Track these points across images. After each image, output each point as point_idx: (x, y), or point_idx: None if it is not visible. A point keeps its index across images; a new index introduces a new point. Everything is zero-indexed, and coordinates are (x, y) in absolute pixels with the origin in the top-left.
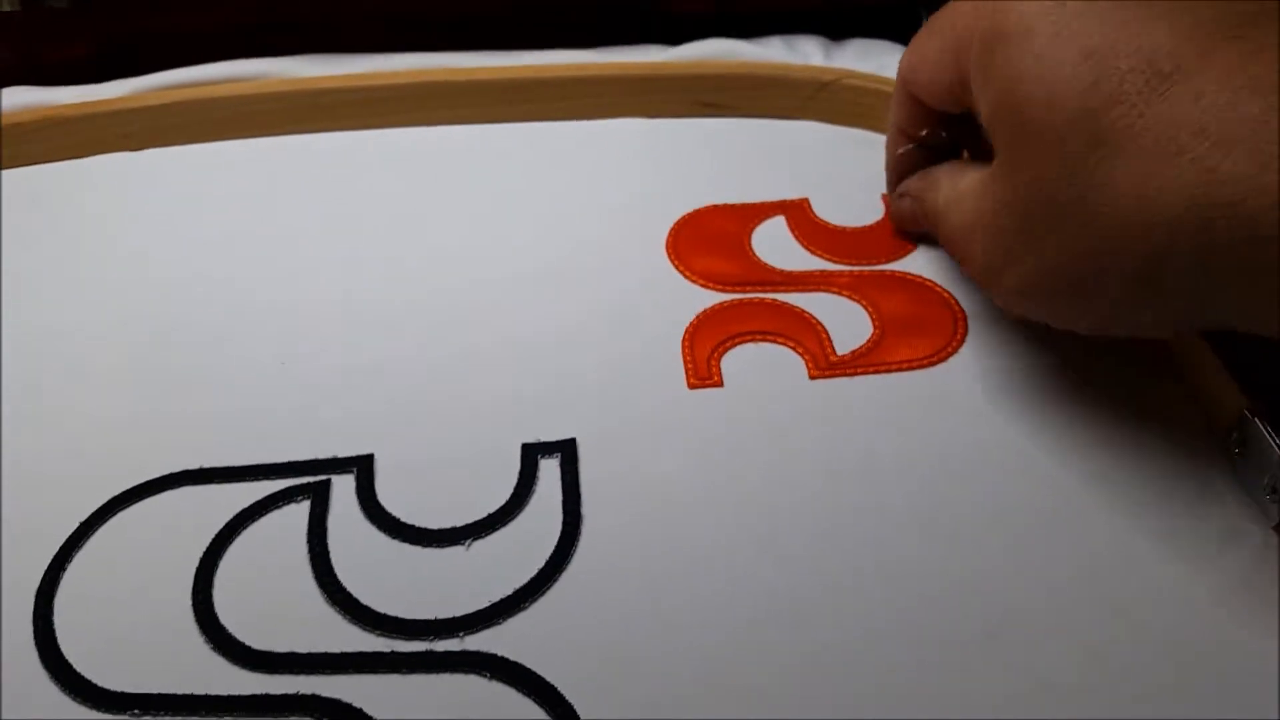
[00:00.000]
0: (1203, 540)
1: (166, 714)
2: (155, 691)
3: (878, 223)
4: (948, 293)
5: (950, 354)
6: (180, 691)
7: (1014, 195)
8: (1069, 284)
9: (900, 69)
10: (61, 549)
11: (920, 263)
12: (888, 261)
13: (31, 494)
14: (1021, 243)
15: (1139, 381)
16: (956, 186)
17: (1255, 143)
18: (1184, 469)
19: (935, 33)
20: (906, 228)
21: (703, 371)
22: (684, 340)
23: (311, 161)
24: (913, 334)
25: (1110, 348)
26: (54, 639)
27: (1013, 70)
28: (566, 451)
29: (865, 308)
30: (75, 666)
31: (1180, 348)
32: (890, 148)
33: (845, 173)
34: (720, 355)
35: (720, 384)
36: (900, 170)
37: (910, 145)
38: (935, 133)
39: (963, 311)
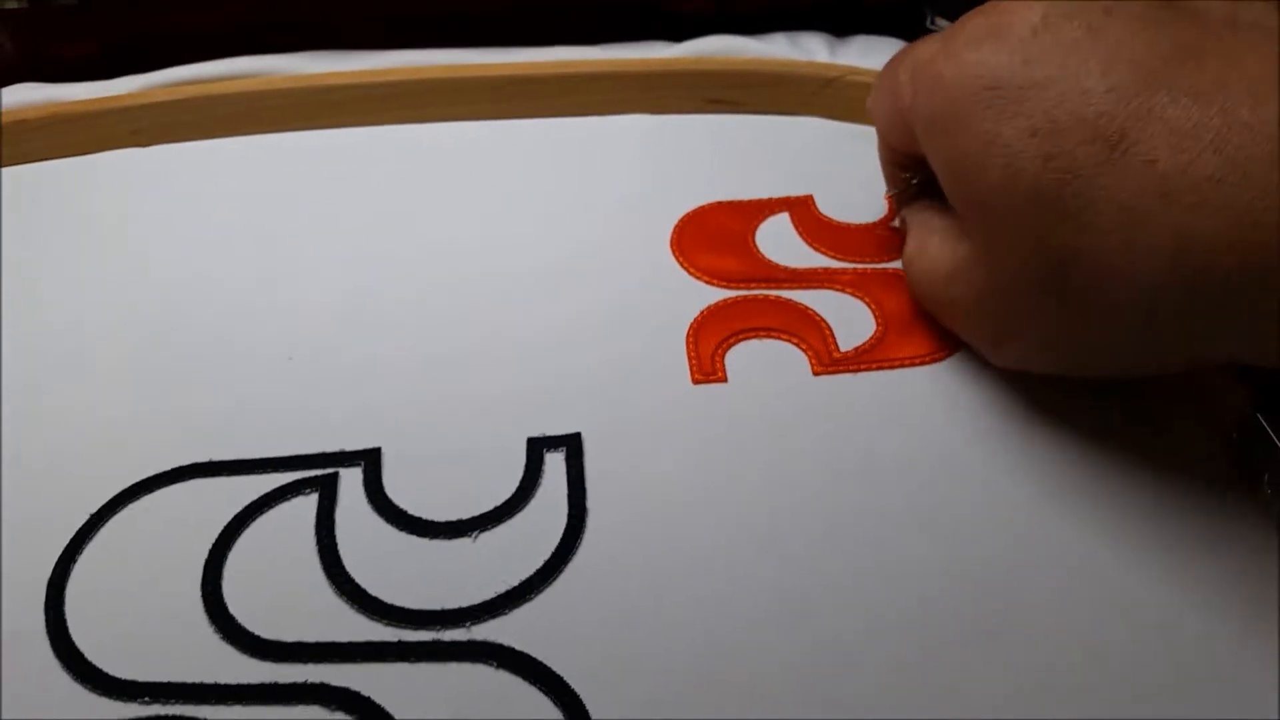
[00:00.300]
0: (1203, 538)
1: (177, 702)
2: (165, 680)
3: (881, 220)
4: None
5: (953, 351)
6: (190, 680)
7: (997, 280)
8: (1070, 349)
9: (867, 108)
10: (72, 541)
11: None
12: (891, 259)
13: (42, 487)
14: (1015, 322)
15: (1141, 379)
16: (926, 250)
17: (1222, 200)
18: (1185, 466)
19: (884, 93)
20: None
21: (706, 367)
22: (688, 336)
23: (318, 158)
24: (916, 331)
25: None
26: (65, 629)
27: (960, 154)
28: (571, 445)
29: (869, 305)
30: (87, 656)
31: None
32: (880, 152)
33: (849, 169)
34: (724, 351)
35: (724, 380)
36: (891, 177)
37: (893, 191)
38: (908, 181)
39: None
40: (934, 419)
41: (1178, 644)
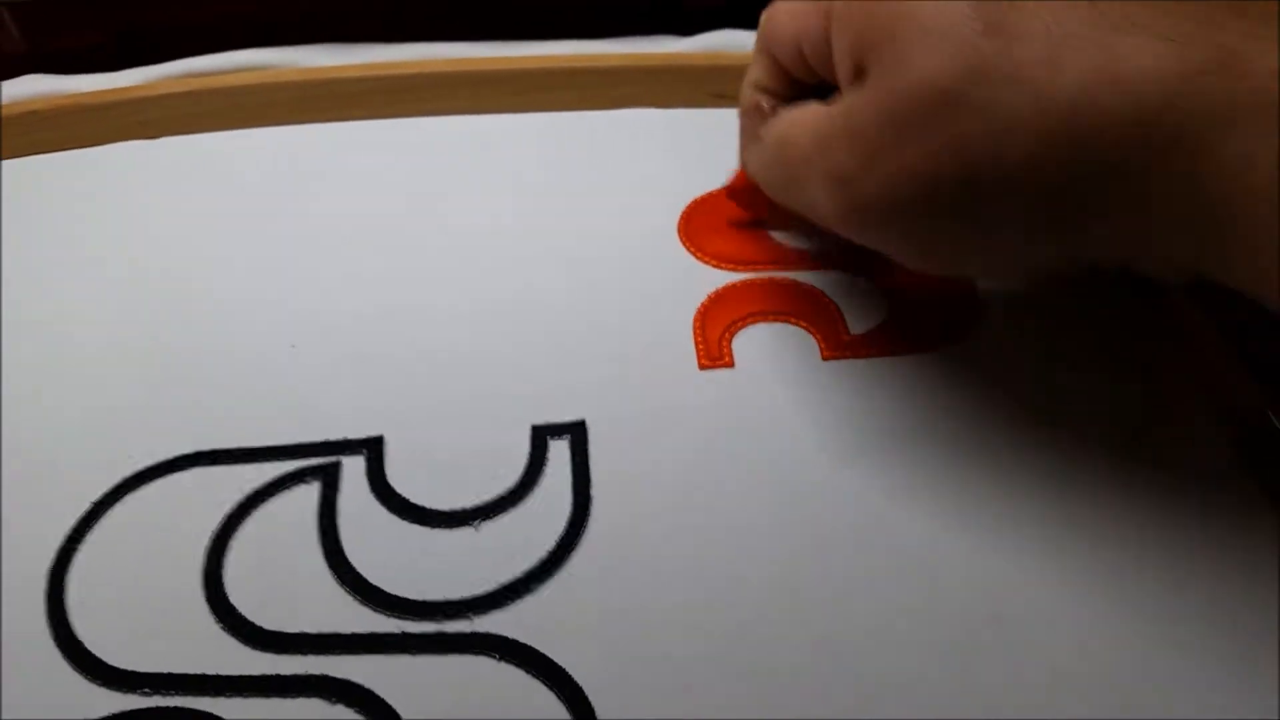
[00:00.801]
0: (1214, 532)
1: (177, 693)
2: (166, 671)
3: None
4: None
5: (964, 336)
6: (191, 671)
7: (887, 97)
8: (937, 191)
9: (761, 27)
10: (74, 530)
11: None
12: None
13: (44, 475)
14: (892, 142)
15: (1154, 372)
16: (803, 113)
17: (1156, 30)
18: (1196, 459)
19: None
20: (748, 198)
21: (714, 352)
22: (695, 321)
23: (326, 150)
24: (927, 315)
25: (1126, 338)
26: (66, 618)
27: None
28: (576, 433)
29: (880, 288)
30: (87, 646)
31: (1196, 339)
32: (742, 105)
33: None
34: (732, 335)
35: (731, 364)
36: (749, 123)
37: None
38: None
39: (978, 294)
40: (943, 405)
41: (1180, 642)
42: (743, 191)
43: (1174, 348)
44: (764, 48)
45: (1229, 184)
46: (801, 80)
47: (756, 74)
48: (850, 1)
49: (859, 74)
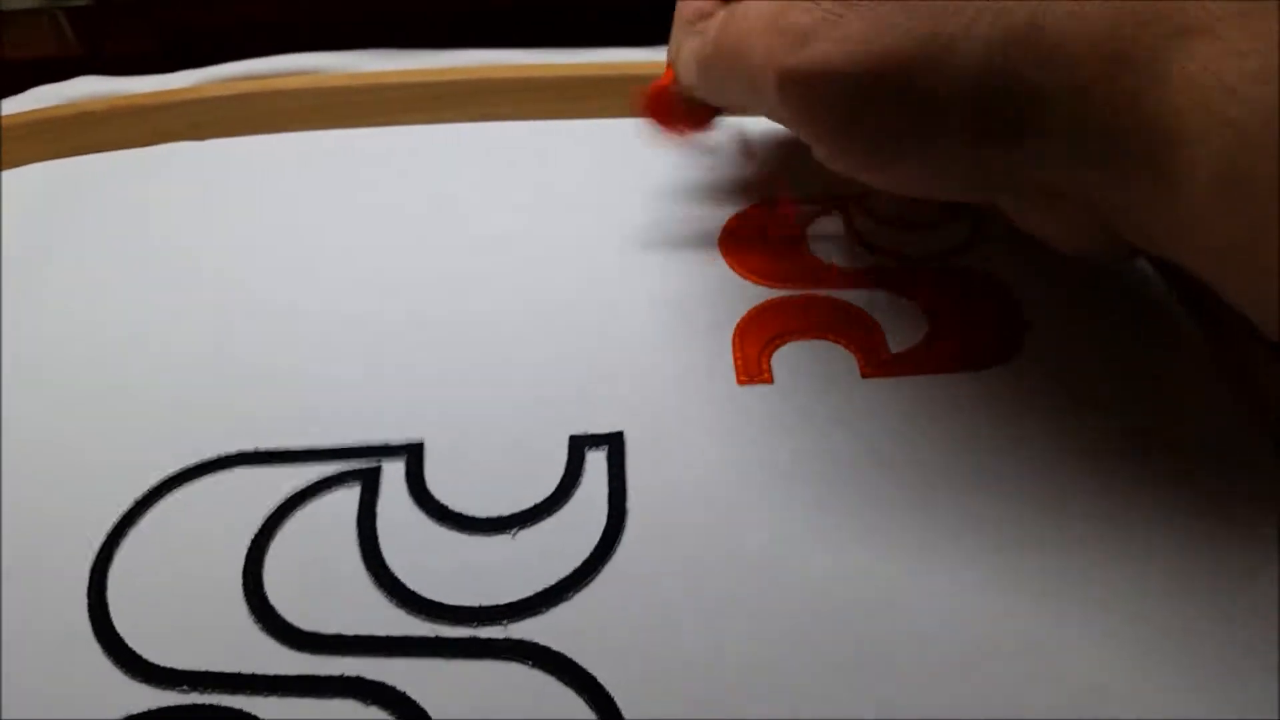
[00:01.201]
0: (1250, 546)
1: (214, 691)
2: (204, 669)
3: (937, 218)
4: (1008, 292)
5: (1008, 356)
6: (228, 670)
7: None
8: (885, 65)
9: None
10: (116, 527)
11: (981, 258)
12: (947, 258)
13: (87, 472)
14: (855, 10)
15: (1200, 391)
16: None
17: None
18: (1247, 494)
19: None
20: (683, 81)
21: (753, 369)
22: (734, 336)
23: (372, 154)
24: (970, 333)
25: (1168, 359)
26: (108, 614)
27: None
28: (614, 444)
29: (921, 305)
30: (127, 642)
31: (1235, 348)
32: (682, 12)
33: None
34: (771, 352)
35: (770, 381)
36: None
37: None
38: None
39: (1023, 312)
40: (984, 426)
41: (1218, 640)
42: (660, 94)
43: (1225, 368)
44: None
45: (1180, 101)
46: None
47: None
48: None
49: None
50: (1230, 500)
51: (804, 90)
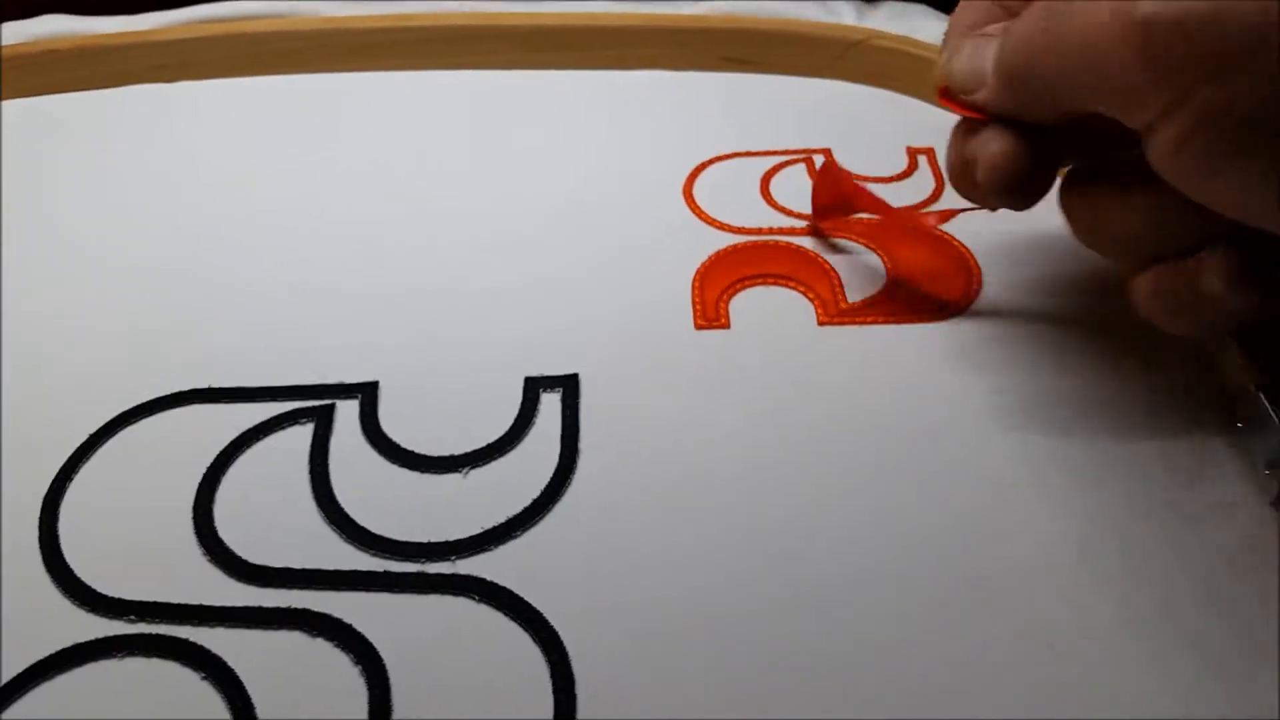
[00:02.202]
0: (1200, 511)
1: (162, 621)
2: (152, 600)
3: (899, 175)
4: (965, 248)
5: (963, 309)
6: (176, 601)
7: None
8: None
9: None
10: (69, 460)
11: (941, 214)
12: (908, 211)
13: (42, 406)
14: None
15: (1149, 350)
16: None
17: None
18: (1186, 439)
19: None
20: (962, 85)
21: (710, 313)
22: (694, 281)
23: (340, 99)
24: (926, 286)
25: (1124, 316)
26: (58, 545)
27: None
28: (569, 386)
29: (880, 256)
30: (77, 572)
31: None
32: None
33: (870, 130)
34: (730, 297)
35: (727, 326)
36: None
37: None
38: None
39: (978, 268)
40: (936, 376)
41: (1165, 613)
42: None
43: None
44: None
45: None
46: None
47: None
48: None
49: None
50: (1175, 437)
51: (1173, 48)
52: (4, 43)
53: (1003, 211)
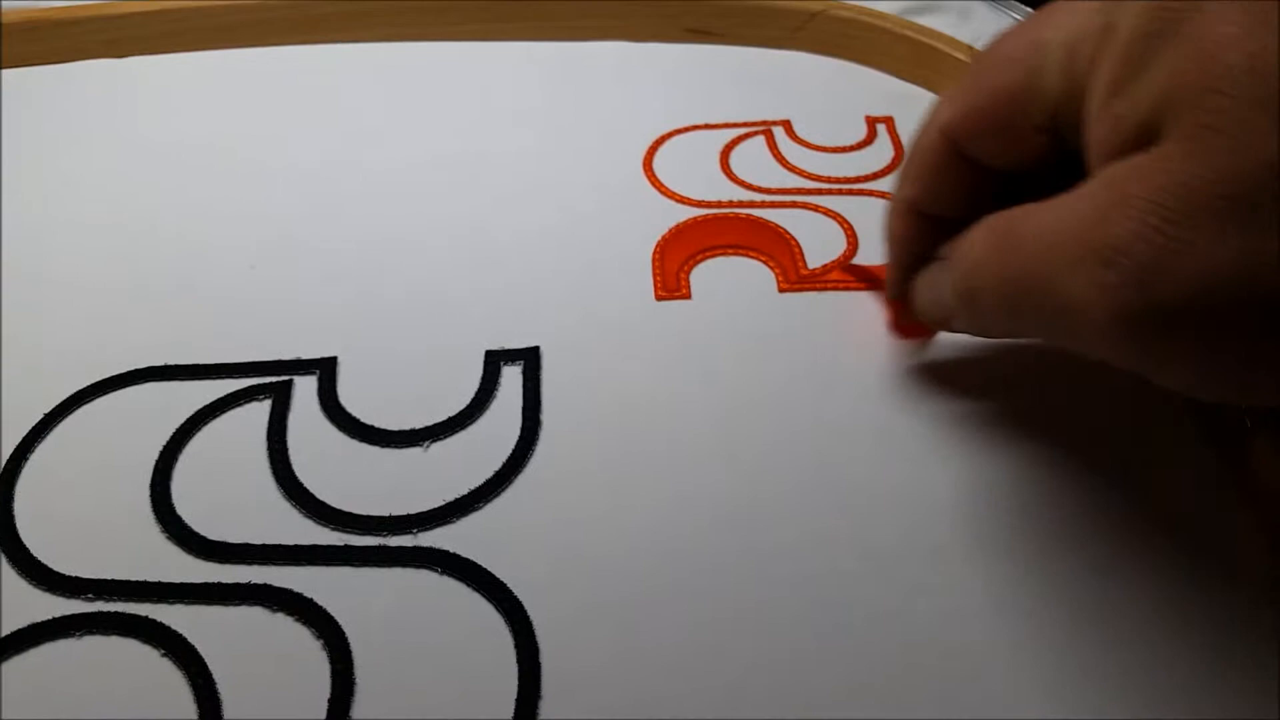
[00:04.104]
0: (1191, 509)
1: (120, 599)
2: (110, 577)
3: (858, 144)
4: None
5: None
6: (134, 578)
7: (1208, 171)
8: (1256, 287)
9: (942, 123)
10: (25, 439)
11: None
12: (867, 181)
13: None
14: (1213, 228)
15: None
16: (1032, 207)
17: None
18: (1166, 440)
19: (1005, 63)
20: (931, 317)
21: (671, 284)
22: (654, 253)
23: (293, 73)
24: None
25: None
26: (13, 524)
27: (1205, 40)
28: (529, 359)
29: (840, 224)
30: (33, 551)
31: None
32: (895, 226)
33: (828, 100)
34: (691, 268)
35: (688, 296)
36: (907, 252)
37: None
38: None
39: None
40: (895, 340)
41: (1156, 601)
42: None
43: None
44: (945, 147)
45: None
46: (988, 165)
47: (920, 191)
48: (1140, 46)
49: (1150, 132)
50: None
51: (1159, 330)
52: None
53: None
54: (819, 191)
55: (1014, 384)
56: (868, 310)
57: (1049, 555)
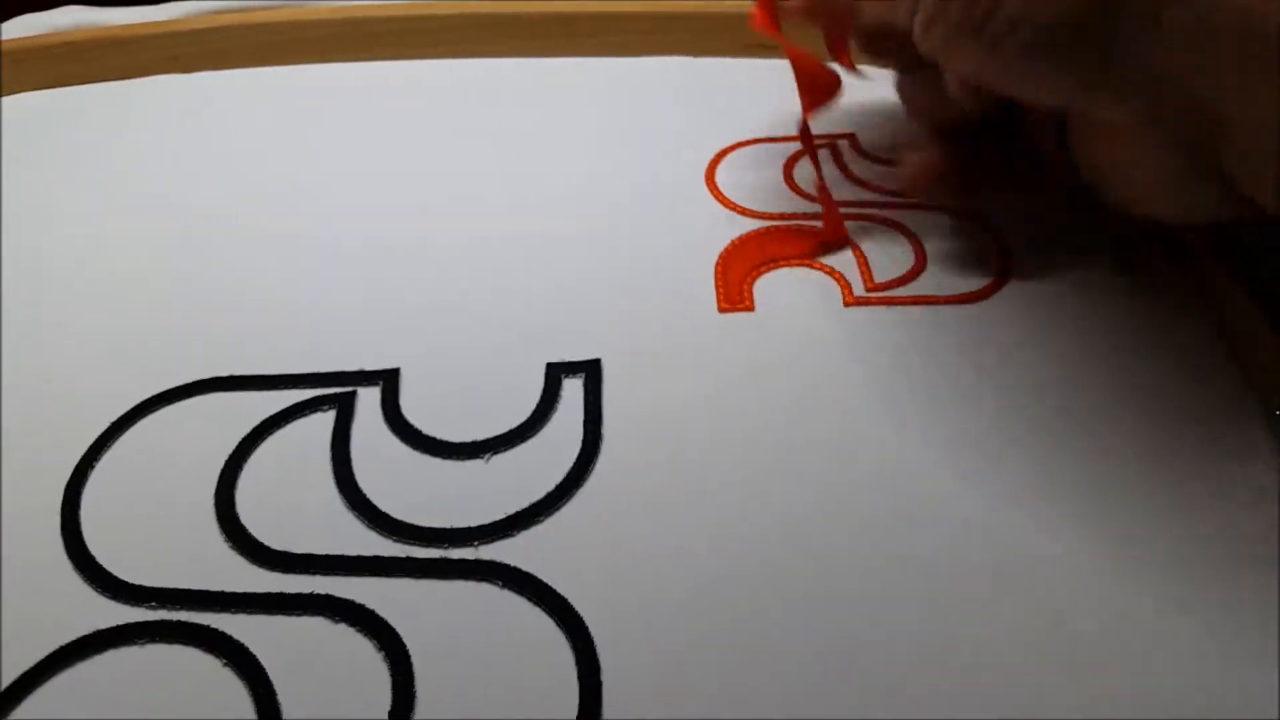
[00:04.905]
0: (1234, 497)
1: (183, 608)
2: (174, 586)
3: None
4: (995, 228)
5: (992, 291)
6: (198, 587)
7: None
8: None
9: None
10: (91, 448)
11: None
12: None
13: (65, 394)
14: None
15: (1180, 335)
16: None
17: None
18: (1222, 424)
19: None
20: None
21: (734, 296)
22: (717, 264)
23: (356, 89)
24: (955, 268)
25: (1155, 301)
26: (80, 533)
27: None
28: (591, 371)
29: (908, 238)
30: (98, 560)
31: (1227, 304)
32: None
33: (893, 114)
34: (753, 280)
35: (751, 308)
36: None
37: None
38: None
39: (1009, 250)
40: (965, 358)
41: (1194, 596)
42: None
43: (1204, 312)
44: None
45: None
46: None
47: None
48: None
49: None
50: (1210, 429)
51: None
52: (23, 34)
53: (1035, 199)
54: (887, 205)
55: (1089, 403)
56: (936, 326)
57: (1118, 582)
